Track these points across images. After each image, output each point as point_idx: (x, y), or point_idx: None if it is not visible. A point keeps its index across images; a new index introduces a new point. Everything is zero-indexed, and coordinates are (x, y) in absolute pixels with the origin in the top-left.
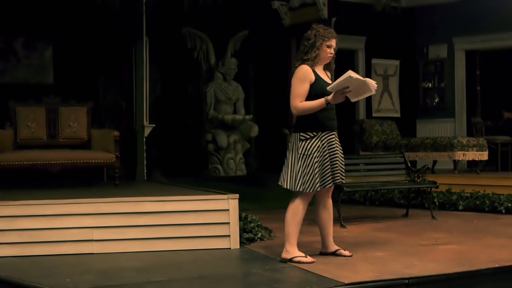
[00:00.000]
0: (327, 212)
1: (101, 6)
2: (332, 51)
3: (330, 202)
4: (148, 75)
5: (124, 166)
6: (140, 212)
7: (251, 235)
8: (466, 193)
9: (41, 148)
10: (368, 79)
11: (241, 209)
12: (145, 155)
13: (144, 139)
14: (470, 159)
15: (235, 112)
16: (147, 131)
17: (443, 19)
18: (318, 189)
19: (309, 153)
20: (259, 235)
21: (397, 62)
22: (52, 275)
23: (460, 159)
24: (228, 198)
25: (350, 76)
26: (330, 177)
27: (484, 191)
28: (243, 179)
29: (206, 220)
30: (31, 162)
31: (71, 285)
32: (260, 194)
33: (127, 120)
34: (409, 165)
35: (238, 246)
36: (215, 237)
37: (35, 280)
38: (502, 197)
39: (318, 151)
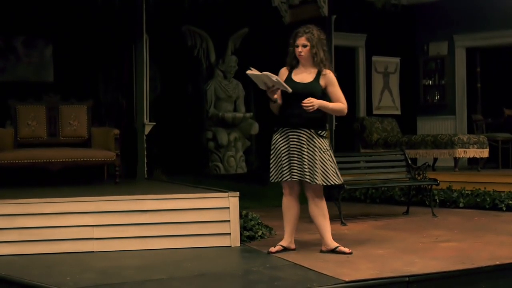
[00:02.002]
0: (317, 209)
1: (101, 4)
2: (300, 49)
3: (317, 199)
4: (148, 73)
5: (124, 164)
6: (140, 210)
7: (251, 233)
8: (467, 190)
9: (41, 146)
10: (265, 72)
11: (242, 207)
12: (145, 153)
13: (145, 137)
14: (471, 156)
15: (235, 110)
16: (147, 129)
17: (443, 16)
18: (275, 181)
19: (271, 146)
20: (260, 233)
21: (397, 60)
22: (52, 274)
23: (461, 156)
24: (228, 196)
25: (247, 74)
26: (286, 172)
27: (485, 188)
28: (244, 177)
29: (206, 218)
30: (31, 161)
31: (71, 283)
32: (261, 192)
33: (127, 118)
34: (410, 162)
35: (238, 244)
36: (215, 235)
37: (35, 279)
38: (502, 195)
39: (276, 145)
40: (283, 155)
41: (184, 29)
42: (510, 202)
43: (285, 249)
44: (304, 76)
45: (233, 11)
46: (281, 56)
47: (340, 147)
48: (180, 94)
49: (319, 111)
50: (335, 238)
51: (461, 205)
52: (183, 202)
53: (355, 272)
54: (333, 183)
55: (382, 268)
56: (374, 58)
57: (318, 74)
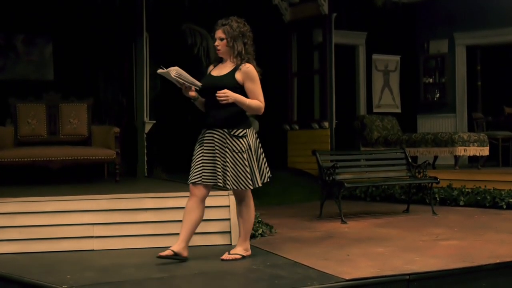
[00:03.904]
0: (245, 210)
1: (101, 3)
2: (217, 42)
3: (243, 201)
4: (148, 71)
5: (124, 163)
6: (140, 209)
7: (251, 231)
8: (467, 188)
9: (41, 144)
10: (170, 68)
11: None
12: (145, 151)
13: (145, 135)
14: (471, 154)
15: None
16: (147, 128)
17: (443, 14)
18: (189, 182)
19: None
20: (260, 231)
21: (397, 58)
22: (53, 272)
23: (461, 154)
24: (228, 195)
25: (158, 72)
26: (198, 175)
27: (485, 186)
28: None
29: (206, 217)
30: (31, 159)
31: (72, 281)
32: (261, 190)
33: (127, 117)
34: (410, 160)
35: None
36: (215, 233)
37: (36, 277)
38: (503, 193)
39: (195, 146)
40: (198, 157)
41: (184, 27)
42: (510, 200)
43: (175, 254)
44: (221, 71)
45: (233, 9)
46: (281, 55)
47: (341, 145)
48: (180, 93)
49: (236, 107)
50: (336, 237)
51: (461, 203)
52: (183, 200)
53: (356, 270)
54: (243, 188)
55: (382, 267)
56: (374, 56)
57: (235, 68)
